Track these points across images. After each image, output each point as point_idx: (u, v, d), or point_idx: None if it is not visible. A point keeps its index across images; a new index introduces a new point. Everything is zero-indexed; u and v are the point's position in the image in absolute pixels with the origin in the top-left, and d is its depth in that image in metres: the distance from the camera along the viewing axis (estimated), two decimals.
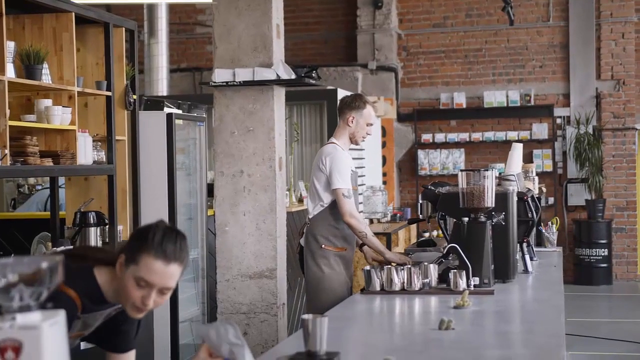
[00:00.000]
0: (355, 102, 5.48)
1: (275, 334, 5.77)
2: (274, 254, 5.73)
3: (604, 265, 12.67)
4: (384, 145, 12.77)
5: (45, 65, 5.20)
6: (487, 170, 4.61)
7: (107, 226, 5.81)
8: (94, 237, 5.62)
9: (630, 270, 13.04)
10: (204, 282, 7.06)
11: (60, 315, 1.86)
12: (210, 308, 6.96)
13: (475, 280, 4.46)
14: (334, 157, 5.33)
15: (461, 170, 4.65)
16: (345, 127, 5.46)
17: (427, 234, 10.43)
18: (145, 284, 2.71)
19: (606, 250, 12.65)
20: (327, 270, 5.39)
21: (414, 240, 10.75)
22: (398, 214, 11.14)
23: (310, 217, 5.50)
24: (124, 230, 6.09)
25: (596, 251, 12.63)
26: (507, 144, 12.06)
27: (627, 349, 8.51)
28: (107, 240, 5.83)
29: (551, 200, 12.98)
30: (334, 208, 5.33)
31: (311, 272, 5.44)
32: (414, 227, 11.43)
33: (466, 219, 4.59)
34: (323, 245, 5.40)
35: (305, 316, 2.85)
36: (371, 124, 5.49)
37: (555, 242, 6.71)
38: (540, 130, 13.07)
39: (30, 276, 1.85)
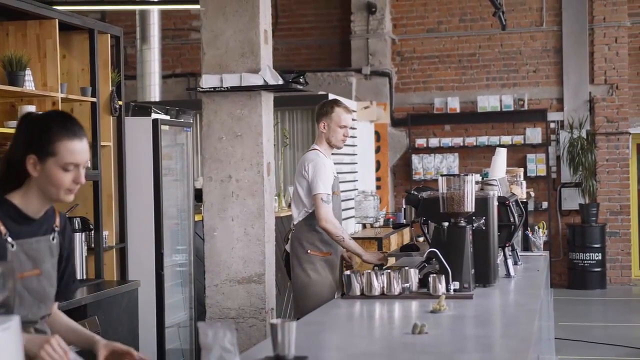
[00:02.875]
0: (323, 108, 5.56)
1: (263, 339, 5.77)
2: (262, 259, 5.73)
3: (598, 269, 12.67)
4: (378, 150, 12.79)
5: (28, 72, 5.21)
6: (467, 175, 4.62)
7: (92, 232, 5.82)
8: (79, 243, 5.62)
9: (624, 274, 13.04)
10: (191, 287, 7.07)
11: (14, 321, 1.87)
12: (199, 313, 6.96)
13: (455, 285, 4.46)
14: (317, 164, 5.39)
15: (441, 175, 4.66)
16: (322, 134, 5.53)
17: (421, 239, 10.41)
18: (72, 167, 2.85)
19: (600, 254, 12.66)
20: (314, 275, 5.43)
21: None
22: (391, 219, 11.11)
23: (294, 222, 5.54)
24: (109, 236, 6.11)
25: (590, 255, 12.63)
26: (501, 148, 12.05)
27: (619, 353, 8.51)
28: (92, 246, 5.84)
29: (545, 204, 12.98)
30: None
31: (298, 278, 5.48)
32: (407, 231, 11.42)
33: (446, 223, 4.60)
34: (309, 251, 5.45)
35: (273, 321, 2.88)
36: (344, 126, 5.53)
37: (542, 246, 6.71)
38: (534, 134, 13.07)
39: None
